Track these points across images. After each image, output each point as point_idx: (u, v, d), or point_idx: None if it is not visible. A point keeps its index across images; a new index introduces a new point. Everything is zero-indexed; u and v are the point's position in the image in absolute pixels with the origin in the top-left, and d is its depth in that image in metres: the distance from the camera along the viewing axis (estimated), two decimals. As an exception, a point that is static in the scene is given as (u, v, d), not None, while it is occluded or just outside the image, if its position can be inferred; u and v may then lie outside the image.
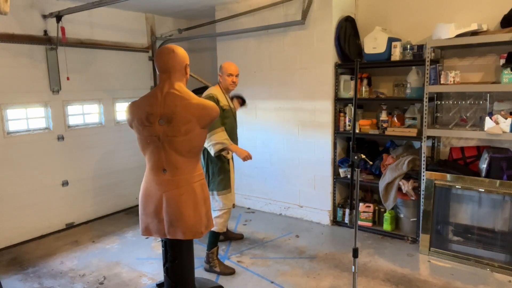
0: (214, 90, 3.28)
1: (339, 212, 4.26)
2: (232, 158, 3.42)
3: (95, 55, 4.59)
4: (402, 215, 3.91)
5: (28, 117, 4.08)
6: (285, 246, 3.80)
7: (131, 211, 4.97)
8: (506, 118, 3.12)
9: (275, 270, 3.32)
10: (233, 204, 3.36)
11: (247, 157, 3.19)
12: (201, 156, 3.23)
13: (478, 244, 3.35)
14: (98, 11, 4.36)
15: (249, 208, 4.93)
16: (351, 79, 4.09)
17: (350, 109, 4.11)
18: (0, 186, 3.84)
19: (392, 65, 3.92)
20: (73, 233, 4.29)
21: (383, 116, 3.90)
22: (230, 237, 3.95)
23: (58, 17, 3.97)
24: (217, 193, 3.26)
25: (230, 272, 3.27)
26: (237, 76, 3.33)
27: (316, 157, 4.28)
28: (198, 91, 5.33)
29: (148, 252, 3.77)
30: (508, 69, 3.11)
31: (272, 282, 3.12)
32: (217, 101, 3.15)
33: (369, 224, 4.07)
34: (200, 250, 3.47)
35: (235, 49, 4.77)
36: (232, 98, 3.54)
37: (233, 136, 3.37)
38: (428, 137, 3.58)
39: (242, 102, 3.69)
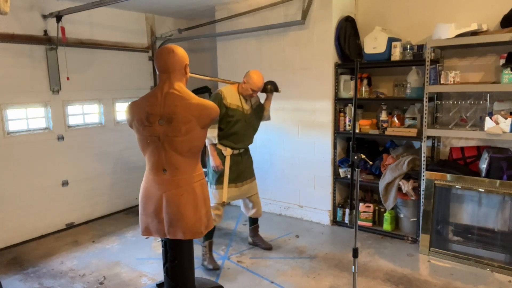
0: (226, 88, 3.31)
1: (339, 212, 4.26)
2: (239, 154, 3.40)
3: (95, 55, 4.59)
4: (402, 215, 3.91)
5: (28, 117, 4.08)
6: (285, 246, 3.80)
7: (131, 211, 4.97)
8: (506, 118, 3.11)
9: (275, 270, 3.32)
10: (223, 202, 3.32)
11: (214, 167, 3.24)
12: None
13: (478, 244, 3.35)
14: (98, 11, 4.35)
15: (249, 208, 4.92)
16: (351, 79, 4.09)
17: (350, 109, 4.11)
18: (0, 186, 3.84)
19: (392, 65, 3.92)
20: (73, 233, 4.29)
21: (383, 116, 3.90)
22: (257, 243, 3.76)
23: (58, 17, 3.97)
24: (211, 186, 3.33)
25: (214, 267, 3.29)
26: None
27: (316, 157, 4.28)
28: (198, 91, 5.33)
29: (148, 252, 3.77)
30: (508, 69, 3.11)
31: (272, 282, 3.12)
32: (221, 98, 3.18)
33: (369, 224, 4.07)
34: (200, 250, 3.47)
35: (235, 49, 4.76)
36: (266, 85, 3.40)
37: (243, 139, 3.37)
38: (428, 137, 3.58)
39: (274, 88, 3.46)
